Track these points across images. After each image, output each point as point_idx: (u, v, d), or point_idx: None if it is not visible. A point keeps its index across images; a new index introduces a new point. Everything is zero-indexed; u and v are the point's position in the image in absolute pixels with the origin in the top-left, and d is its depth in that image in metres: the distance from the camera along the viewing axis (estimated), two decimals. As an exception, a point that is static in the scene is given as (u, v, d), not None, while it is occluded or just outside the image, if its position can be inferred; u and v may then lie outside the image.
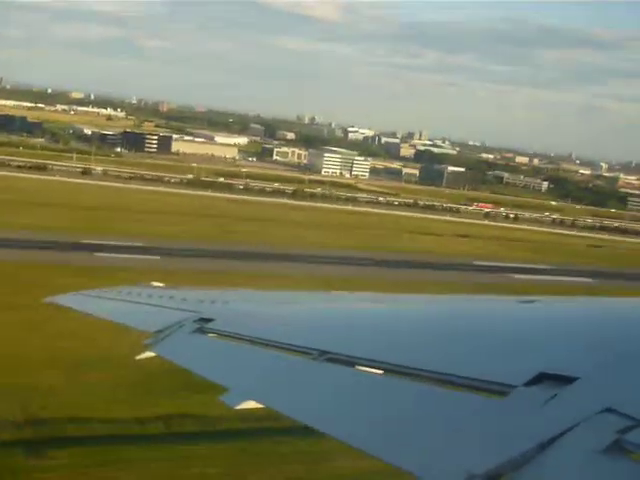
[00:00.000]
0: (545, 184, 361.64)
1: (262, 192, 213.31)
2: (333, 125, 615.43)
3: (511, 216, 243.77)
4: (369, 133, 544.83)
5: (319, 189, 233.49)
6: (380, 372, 5.40)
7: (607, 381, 4.17)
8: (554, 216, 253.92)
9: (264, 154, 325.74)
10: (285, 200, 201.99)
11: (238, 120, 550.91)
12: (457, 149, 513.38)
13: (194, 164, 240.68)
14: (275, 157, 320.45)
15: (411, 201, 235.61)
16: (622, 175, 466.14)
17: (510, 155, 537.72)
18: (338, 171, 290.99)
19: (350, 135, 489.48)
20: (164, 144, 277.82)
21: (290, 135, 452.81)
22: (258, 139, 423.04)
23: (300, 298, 11.52)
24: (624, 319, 5.57)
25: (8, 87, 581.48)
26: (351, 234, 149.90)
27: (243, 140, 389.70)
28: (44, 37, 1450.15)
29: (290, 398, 5.90)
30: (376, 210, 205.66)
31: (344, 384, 5.64)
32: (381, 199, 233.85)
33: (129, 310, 11.13)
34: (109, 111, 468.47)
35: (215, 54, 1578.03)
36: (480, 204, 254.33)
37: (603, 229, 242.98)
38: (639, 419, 3.60)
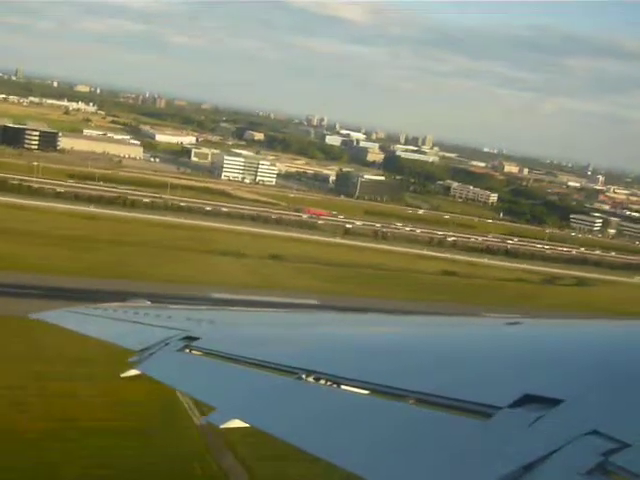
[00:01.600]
0: (495, 196, 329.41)
1: (61, 196, 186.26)
2: (337, 127, 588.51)
3: (383, 230, 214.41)
4: (359, 137, 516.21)
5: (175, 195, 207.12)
6: (365, 392, 5.45)
7: (592, 403, 4.13)
8: (440, 233, 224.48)
9: (183, 155, 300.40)
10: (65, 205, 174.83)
11: (234, 118, 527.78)
12: (438, 156, 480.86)
13: (49, 164, 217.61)
14: (193, 158, 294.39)
15: (260, 211, 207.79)
16: (616, 189, 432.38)
17: (498, 164, 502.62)
18: (240, 176, 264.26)
19: (328, 138, 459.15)
20: (49, 140, 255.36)
21: (258, 136, 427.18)
22: (218, 139, 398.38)
23: (286, 318, 11.59)
24: (609, 341, 5.65)
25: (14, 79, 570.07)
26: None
27: (189, 139, 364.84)
28: (72, 30, 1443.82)
29: (276, 417, 5.88)
30: (196, 222, 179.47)
31: (329, 404, 5.65)
32: (232, 209, 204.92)
33: (115, 328, 10.99)
34: (80, 105, 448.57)
35: (240, 53, 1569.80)
36: (315, 210, 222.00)
37: (488, 250, 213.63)
38: (623, 442, 3.58)
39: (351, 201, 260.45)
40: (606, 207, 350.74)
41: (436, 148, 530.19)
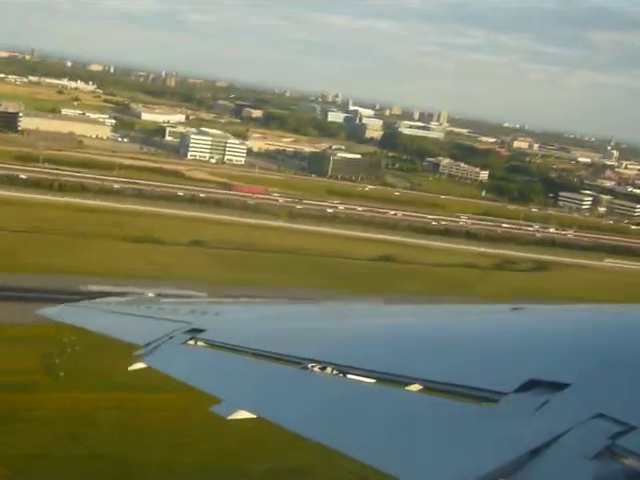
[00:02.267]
0: (485, 174, 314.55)
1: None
2: (350, 104, 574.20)
3: (332, 211, 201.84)
4: (367, 113, 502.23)
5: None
6: (371, 381, 5.45)
7: (598, 387, 4.16)
8: (400, 214, 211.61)
9: (158, 135, 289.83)
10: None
11: (244, 96, 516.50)
12: (445, 132, 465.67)
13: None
14: (167, 138, 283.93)
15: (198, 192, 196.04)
16: (628, 165, 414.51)
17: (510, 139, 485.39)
18: (207, 155, 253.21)
19: (331, 115, 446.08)
20: (9, 121, 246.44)
21: (256, 114, 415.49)
22: (211, 117, 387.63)
23: (291, 308, 11.95)
24: (615, 325, 5.64)
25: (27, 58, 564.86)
26: None
27: (178, 117, 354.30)
28: (91, 10, 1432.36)
29: (282, 408, 5.88)
30: (119, 206, 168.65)
31: (336, 393, 5.66)
32: (169, 190, 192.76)
33: (119, 322, 10.96)
34: (79, 84, 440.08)
35: (259, 30, 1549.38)
36: (248, 188, 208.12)
37: (446, 233, 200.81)
38: (630, 424, 3.59)
39: (319, 180, 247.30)
40: (609, 184, 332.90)
41: (445, 124, 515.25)
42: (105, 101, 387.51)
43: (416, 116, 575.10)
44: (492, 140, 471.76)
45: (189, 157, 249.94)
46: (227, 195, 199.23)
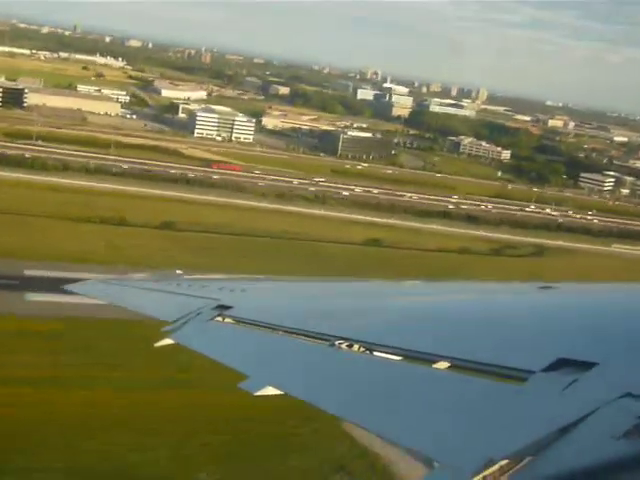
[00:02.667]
0: (507, 153, 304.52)
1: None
2: (388, 81, 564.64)
3: (326, 192, 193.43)
4: (401, 90, 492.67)
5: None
6: (398, 358, 5.46)
7: (626, 366, 4.15)
8: (405, 196, 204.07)
9: (171, 112, 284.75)
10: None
11: (279, 72, 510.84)
12: (477, 109, 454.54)
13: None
14: (181, 115, 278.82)
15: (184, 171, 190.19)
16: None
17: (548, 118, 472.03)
18: (215, 133, 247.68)
19: (360, 92, 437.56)
20: (14, 97, 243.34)
21: (283, 90, 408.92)
22: (235, 94, 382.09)
23: (317, 286, 11.66)
24: None
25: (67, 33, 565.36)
26: None
27: (200, 94, 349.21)
28: None
29: (309, 384, 5.89)
30: (98, 184, 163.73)
31: (362, 370, 5.68)
32: (158, 168, 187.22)
33: (147, 298, 10.99)
34: (108, 60, 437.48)
35: (301, 5, 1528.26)
36: (222, 165, 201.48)
37: (446, 215, 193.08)
38: None
39: (321, 159, 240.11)
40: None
41: (480, 102, 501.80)
42: (130, 77, 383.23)
43: (454, 93, 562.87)
44: (527, 118, 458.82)
45: (196, 135, 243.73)
46: (206, 173, 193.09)
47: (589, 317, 5.24)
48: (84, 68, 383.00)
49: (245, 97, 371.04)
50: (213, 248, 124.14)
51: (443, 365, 4.92)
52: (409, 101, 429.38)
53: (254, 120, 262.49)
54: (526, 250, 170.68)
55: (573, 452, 3.49)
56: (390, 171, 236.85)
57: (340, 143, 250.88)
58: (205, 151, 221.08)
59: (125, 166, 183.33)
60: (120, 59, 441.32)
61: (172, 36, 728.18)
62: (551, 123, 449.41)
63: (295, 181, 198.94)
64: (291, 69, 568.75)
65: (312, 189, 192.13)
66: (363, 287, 10.87)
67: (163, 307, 9.70)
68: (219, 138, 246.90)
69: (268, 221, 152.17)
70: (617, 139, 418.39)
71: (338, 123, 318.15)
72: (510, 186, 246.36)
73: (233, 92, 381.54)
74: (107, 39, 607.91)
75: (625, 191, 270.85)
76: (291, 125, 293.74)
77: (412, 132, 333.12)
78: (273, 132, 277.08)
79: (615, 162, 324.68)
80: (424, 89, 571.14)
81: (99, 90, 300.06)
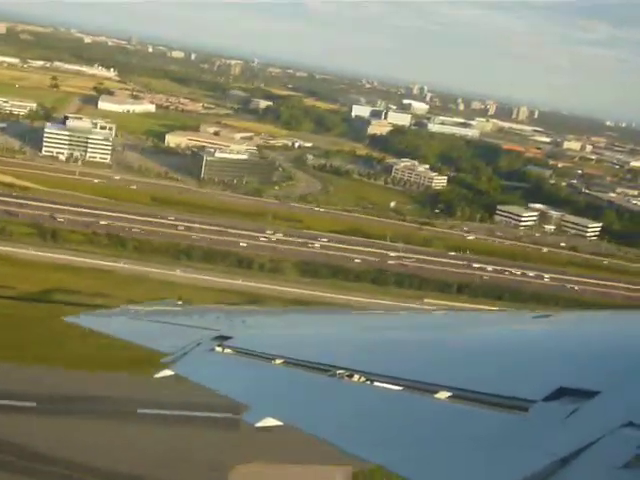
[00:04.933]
0: (442, 179, 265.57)
1: None
2: (428, 97, 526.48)
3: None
4: (421, 107, 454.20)
5: None
6: (399, 389, 5.39)
7: (628, 395, 4.08)
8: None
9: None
10: None
11: (303, 86, 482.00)
12: (483, 129, 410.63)
13: None
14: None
15: None
16: None
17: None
18: (66, 151, 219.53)
19: (356, 109, 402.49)
20: None
21: (263, 104, 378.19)
22: (200, 107, 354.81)
23: (318, 316, 11.76)
24: None
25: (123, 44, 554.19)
26: None
27: (146, 107, 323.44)
28: None
29: (310, 415, 5.80)
30: None
31: (363, 401, 5.63)
32: None
33: (146, 329, 10.90)
34: (98, 70, 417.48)
35: (367, 18, 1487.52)
36: None
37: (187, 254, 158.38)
38: None
39: (170, 185, 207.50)
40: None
41: (492, 121, 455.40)
42: (96, 87, 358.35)
43: (492, 111, 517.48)
44: (547, 140, 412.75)
45: (44, 153, 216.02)
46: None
47: (589, 345, 5.12)
48: (53, 78, 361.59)
49: (203, 111, 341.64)
50: None
51: (443, 395, 4.82)
52: (406, 119, 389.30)
53: (111, 138, 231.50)
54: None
55: None
56: (229, 198, 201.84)
57: (204, 166, 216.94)
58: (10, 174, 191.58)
59: None
60: (112, 70, 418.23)
61: (227, 45, 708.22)
62: (566, 145, 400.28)
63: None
64: (331, 82, 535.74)
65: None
66: (362, 318, 10.67)
67: (162, 338, 9.38)
68: (62, 158, 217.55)
69: None
70: (635, 164, 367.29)
71: (279, 140, 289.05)
72: (383, 219, 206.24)
73: (195, 105, 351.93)
74: (149, 49, 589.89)
75: (550, 227, 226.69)
76: (200, 144, 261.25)
77: (360, 153, 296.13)
78: (163, 152, 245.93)
79: (589, 192, 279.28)
80: (461, 107, 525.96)
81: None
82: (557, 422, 3.87)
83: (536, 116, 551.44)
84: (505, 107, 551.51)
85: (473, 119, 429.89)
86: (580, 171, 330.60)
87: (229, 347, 7.94)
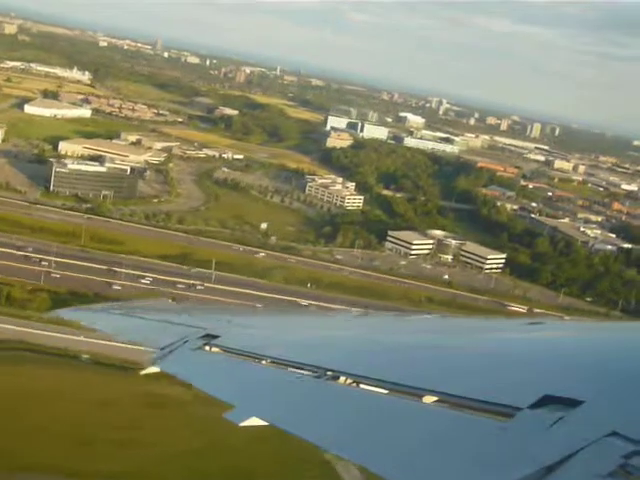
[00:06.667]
0: (358, 200, 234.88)
1: None
2: (441, 110, 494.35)
3: None
4: (417, 121, 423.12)
5: None
6: (384, 391, 5.33)
7: (613, 405, 4.04)
8: None
9: None
10: None
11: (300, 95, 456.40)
12: (468, 146, 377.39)
13: None
14: None
15: None
16: None
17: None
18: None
19: (332, 120, 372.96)
20: None
21: (228, 111, 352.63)
22: (152, 114, 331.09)
23: (305, 317, 12.08)
24: (631, 343, 5.51)
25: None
26: None
27: (81, 112, 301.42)
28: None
29: (295, 416, 5.76)
30: None
31: (348, 402, 5.57)
32: None
33: (134, 325, 10.60)
34: (72, 73, 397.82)
35: (408, 31, 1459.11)
36: None
37: None
38: None
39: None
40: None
41: (481, 137, 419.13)
42: (45, 90, 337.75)
43: (504, 127, 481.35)
44: (541, 158, 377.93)
45: None
46: None
47: (576, 354, 5.07)
48: (7, 80, 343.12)
49: (159, 119, 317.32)
50: None
51: (430, 399, 4.77)
52: (383, 133, 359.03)
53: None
54: None
55: None
56: (55, 215, 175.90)
57: (52, 177, 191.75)
58: None
59: None
60: (87, 73, 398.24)
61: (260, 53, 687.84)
62: (557, 165, 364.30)
63: None
64: (335, 93, 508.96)
65: None
66: (350, 319, 10.59)
67: (150, 334, 9.20)
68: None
69: None
70: (627, 188, 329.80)
71: (210, 152, 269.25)
72: (248, 244, 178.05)
73: (149, 112, 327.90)
74: (165, 54, 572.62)
75: (446, 257, 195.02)
76: (96, 153, 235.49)
77: (292, 167, 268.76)
78: (39, 161, 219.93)
79: (537, 217, 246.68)
80: (472, 121, 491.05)
81: None
82: (542, 430, 3.80)
83: (557, 134, 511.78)
84: (523, 123, 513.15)
85: (462, 134, 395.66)
86: (550, 193, 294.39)
87: (215, 346, 7.72)
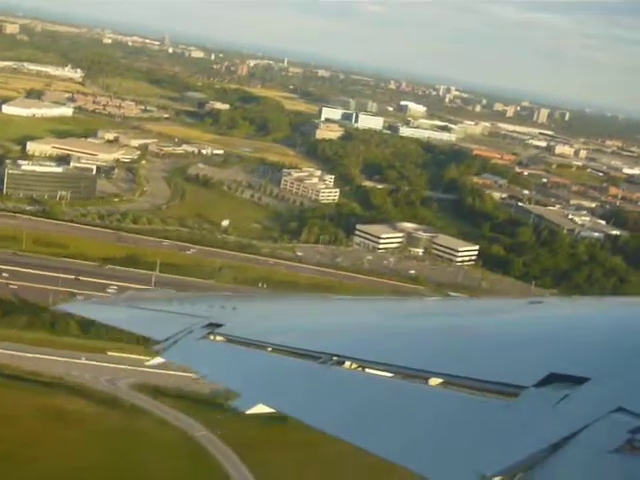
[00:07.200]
0: (335, 192, 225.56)
1: None
2: (447, 98, 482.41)
3: None
4: (418, 110, 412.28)
5: None
6: (390, 375, 5.33)
7: (618, 381, 4.04)
8: None
9: None
10: None
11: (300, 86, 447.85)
12: (467, 133, 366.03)
13: None
14: None
15: None
16: None
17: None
18: None
19: (326, 111, 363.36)
20: None
21: (218, 105, 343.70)
22: (139, 110, 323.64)
23: (310, 303, 11.49)
24: (633, 318, 5.52)
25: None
26: None
27: (61, 111, 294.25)
28: None
29: (301, 402, 5.71)
30: None
31: (354, 388, 5.53)
32: None
33: (138, 317, 10.39)
34: (62, 71, 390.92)
35: (415, 19, 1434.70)
36: None
37: None
38: None
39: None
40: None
41: (483, 124, 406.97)
42: (31, 89, 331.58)
43: (510, 113, 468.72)
44: (543, 144, 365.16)
45: None
46: None
47: (580, 332, 5.05)
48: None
49: (144, 115, 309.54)
50: None
51: (435, 382, 4.77)
52: (378, 123, 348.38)
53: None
54: None
55: (565, 468, 3.42)
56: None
57: (5, 179, 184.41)
58: None
59: None
60: (79, 70, 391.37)
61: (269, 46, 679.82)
62: (558, 150, 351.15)
63: None
64: (340, 84, 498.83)
65: None
66: (354, 304, 10.45)
67: (154, 325, 9.08)
68: None
69: None
70: (628, 172, 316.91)
71: (189, 148, 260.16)
72: (203, 243, 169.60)
73: (136, 109, 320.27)
74: (170, 49, 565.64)
75: (417, 250, 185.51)
76: (65, 152, 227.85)
77: (273, 160, 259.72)
78: None
79: (524, 205, 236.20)
80: (477, 108, 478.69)
81: None
82: (548, 408, 3.81)
83: (566, 118, 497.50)
84: (531, 109, 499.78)
85: (462, 122, 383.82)
86: (545, 180, 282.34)
87: (220, 334, 7.61)
